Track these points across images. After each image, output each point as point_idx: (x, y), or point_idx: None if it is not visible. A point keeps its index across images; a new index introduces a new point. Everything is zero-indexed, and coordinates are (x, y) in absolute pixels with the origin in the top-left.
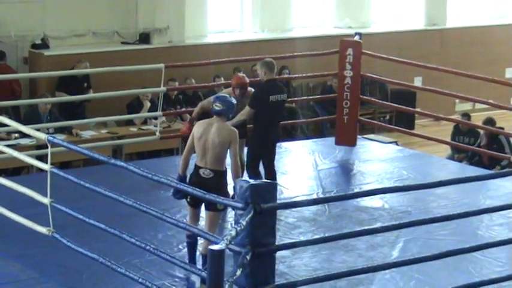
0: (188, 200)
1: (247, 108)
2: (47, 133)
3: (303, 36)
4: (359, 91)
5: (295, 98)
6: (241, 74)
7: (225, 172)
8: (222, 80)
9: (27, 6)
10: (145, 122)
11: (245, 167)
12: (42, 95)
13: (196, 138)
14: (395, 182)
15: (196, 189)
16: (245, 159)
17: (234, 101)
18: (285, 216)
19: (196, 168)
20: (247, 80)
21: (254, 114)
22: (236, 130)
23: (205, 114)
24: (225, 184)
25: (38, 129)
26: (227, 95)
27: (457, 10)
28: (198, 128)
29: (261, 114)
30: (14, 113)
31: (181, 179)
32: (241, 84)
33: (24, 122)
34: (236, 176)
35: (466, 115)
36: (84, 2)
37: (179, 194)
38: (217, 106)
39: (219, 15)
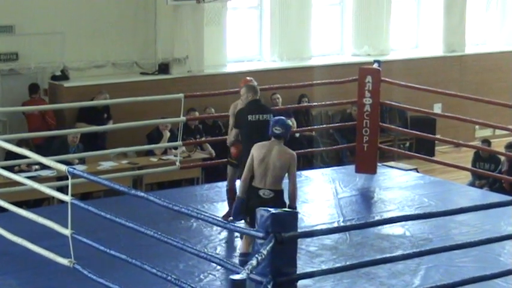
0: (248, 220)
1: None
2: (70, 164)
3: (322, 64)
4: (378, 118)
5: (315, 126)
6: (248, 78)
7: (283, 191)
8: None
9: (46, 38)
10: (165, 152)
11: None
12: (68, 127)
13: (257, 160)
14: (416, 209)
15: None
16: None
17: (291, 123)
18: (306, 245)
19: (255, 189)
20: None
21: (239, 134)
22: (295, 154)
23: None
24: (284, 203)
25: (64, 161)
26: (284, 118)
27: (476, 36)
28: (258, 150)
29: (242, 133)
30: (45, 145)
31: (242, 201)
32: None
33: (53, 153)
34: (294, 196)
35: (486, 141)
36: (103, 33)
37: (241, 216)
38: (277, 130)
39: (237, 44)
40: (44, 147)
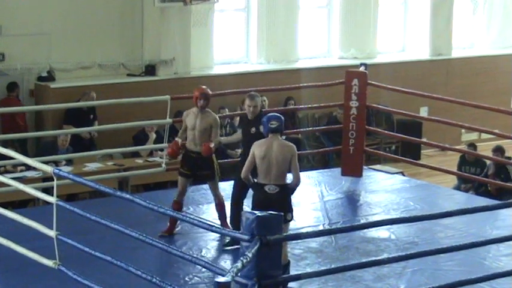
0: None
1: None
2: (55, 166)
3: (309, 67)
4: (365, 122)
5: (301, 129)
6: (203, 86)
7: (287, 186)
8: (227, 111)
9: (33, 39)
10: (151, 153)
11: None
12: (53, 128)
13: (259, 158)
14: (402, 212)
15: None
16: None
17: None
18: (292, 248)
19: (260, 185)
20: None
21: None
22: (294, 145)
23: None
24: (289, 197)
25: (50, 162)
26: (277, 114)
27: (462, 40)
28: (259, 148)
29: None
30: (21, 146)
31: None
32: (205, 95)
33: (42, 153)
34: (296, 185)
35: (472, 145)
36: (89, 35)
37: None
38: (273, 124)
39: (224, 47)
40: (22, 147)
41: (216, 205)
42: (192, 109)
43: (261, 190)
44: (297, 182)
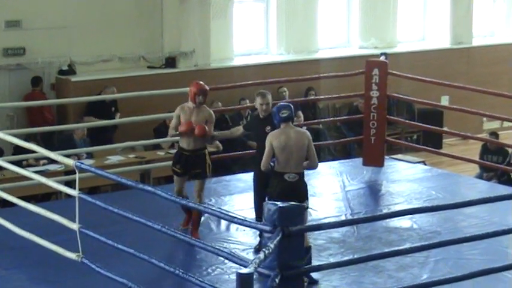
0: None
1: None
2: (77, 159)
3: (329, 57)
4: (386, 111)
5: (322, 120)
6: (201, 82)
7: (304, 173)
8: (248, 103)
9: (53, 32)
10: (172, 145)
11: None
12: (74, 121)
13: (279, 148)
14: (424, 202)
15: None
16: None
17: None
18: (314, 238)
19: (279, 174)
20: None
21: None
22: (307, 131)
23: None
24: (306, 185)
25: (70, 155)
26: (285, 103)
27: (483, 28)
28: (277, 139)
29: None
30: (45, 140)
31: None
32: (203, 91)
33: (59, 147)
34: (312, 169)
35: (494, 134)
36: (109, 28)
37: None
38: (284, 113)
39: (244, 38)
40: (46, 141)
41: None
42: (187, 104)
43: (281, 179)
44: (314, 165)
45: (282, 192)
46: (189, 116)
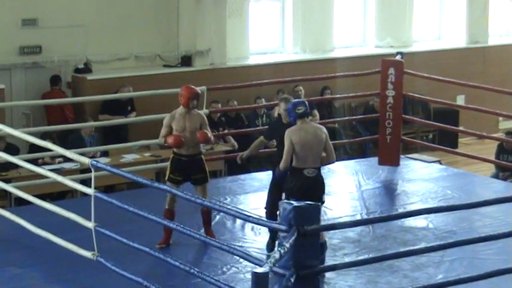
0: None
1: None
2: (91, 157)
3: (344, 56)
4: (401, 110)
5: (337, 119)
6: (191, 85)
7: (321, 168)
8: (264, 102)
9: (69, 31)
10: None
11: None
12: (85, 119)
13: (298, 144)
14: (440, 201)
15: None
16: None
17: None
18: (329, 238)
19: (298, 170)
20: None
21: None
22: (323, 126)
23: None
24: (323, 178)
25: (82, 154)
26: (300, 99)
27: (499, 28)
28: (295, 135)
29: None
30: (62, 139)
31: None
32: (197, 95)
33: (70, 146)
34: (330, 163)
35: (510, 133)
36: (125, 26)
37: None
38: (300, 109)
39: (260, 37)
40: (63, 139)
41: (202, 211)
42: (177, 110)
43: (301, 175)
44: (332, 159)
45: (302, 187)
46: (183, 122)
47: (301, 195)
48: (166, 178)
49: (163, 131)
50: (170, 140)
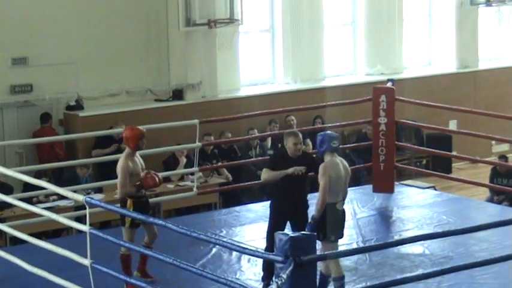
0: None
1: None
2: (86, 194)
3: (336, 85)
4: (394, 137)
5: None
6: (133, 126)
7: None
8: (256, 133)
9: (59, 68)
10: (182, 178)
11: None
12: (77, 157)
13: (335, 179)
14: (435, 227)
15: None
16: None
17: None
18: None
19: (332, 205)
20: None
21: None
22: None
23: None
24: None
25: (75, 191)
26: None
27: (489, 51)
28: (333, 169)
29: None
30: (56, 176)
31: (319, 221)
32: (144, 134)
33: (64, 184)
34: None
35: (504, 157)
36: (116, 62)
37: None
38: (335, 143)
39: (250, 68)
40: (57, 177)
41: (145, 247)
42: (127, 154)
43: (334, 209)
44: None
45: (337, 221)
46: (138, 163)
47: (337, 230)
48: (127, 225)
49: (125, 181)
50: (150, 181)
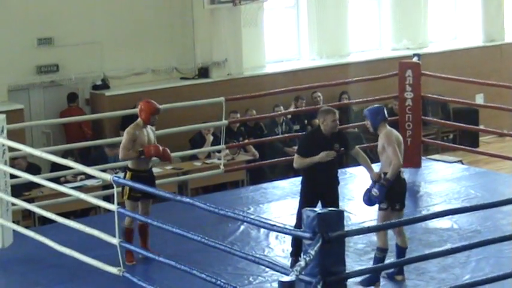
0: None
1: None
2: (115, 173)
3: (361, 60)
4: (421, 112)
5: (357, 123)
6: (151, 100)
7: None
8: (282, 109)
9: (85, 48)
10: (209, 156)
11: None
12: (105, 135)
13: (398, 145)
14: (463, 201)
15: None
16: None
17: None
18: (354, 243)
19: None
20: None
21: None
22: None
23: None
24: None
25: (104, 170)
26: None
27: None
28: (396, 136)
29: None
30: (83, 156)
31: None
32: (159, 110)
33: (92, 163)
34: None
35: None
36: (141, 41)
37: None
38: (386, 114)
39: (276, 45)
40: (84, 156)
41: (140, 226)
42: (137, 123)
43: (399, 177)
44: None
45: (400, 190)
46: (146, 136)
47: (402, 197)
48: (126, 197)
49: (128, 144)
50: (152, 149)
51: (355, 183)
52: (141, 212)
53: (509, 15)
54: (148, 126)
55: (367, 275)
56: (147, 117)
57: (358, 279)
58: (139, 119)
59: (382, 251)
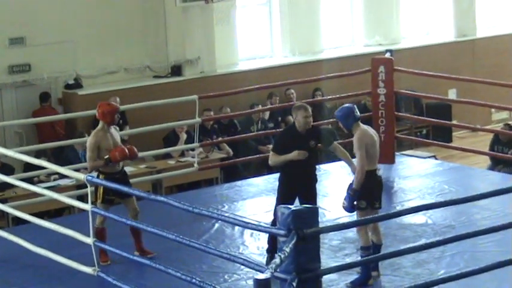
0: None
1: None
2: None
3: (334, 57)
4: (394, 108)
5: (331, 120)
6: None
7: None
8: (260, 107)
9: (57, 47)
10: (182, 154)
11: None
12: (79, 133)
13: (371, 146)
14: (437, 196)
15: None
16: None
17: None
18: (329, 239)
19: (372, 171)
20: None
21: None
22: None
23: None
24: None
25: (77, 170)
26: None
27: (487, 19)
28: (368, 137)
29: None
30: (56, 155)
31: (357, 193)
32: (118, 109)
33: (64, 163)
34: None
35: (508, 125)
36: (114, 40)
37: (353, 209)
38: (357, 112)
39: (248, 42)
40: (57, 156)
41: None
42: (99, 129)
43: (374, 176)
44: None
45: (377, 188)
46: (110, 139)
47: (378, 197)
48: (100, 201)
49: (93, 154)
50: (117, 154)
51: (329, 179)
52: (129, 213)
53: (481, 10)
54: (112, 127)
55: (358, 276)
56: (112, 118)
57: (348, 279)
58: (100, 125)
59: (366, 249)
